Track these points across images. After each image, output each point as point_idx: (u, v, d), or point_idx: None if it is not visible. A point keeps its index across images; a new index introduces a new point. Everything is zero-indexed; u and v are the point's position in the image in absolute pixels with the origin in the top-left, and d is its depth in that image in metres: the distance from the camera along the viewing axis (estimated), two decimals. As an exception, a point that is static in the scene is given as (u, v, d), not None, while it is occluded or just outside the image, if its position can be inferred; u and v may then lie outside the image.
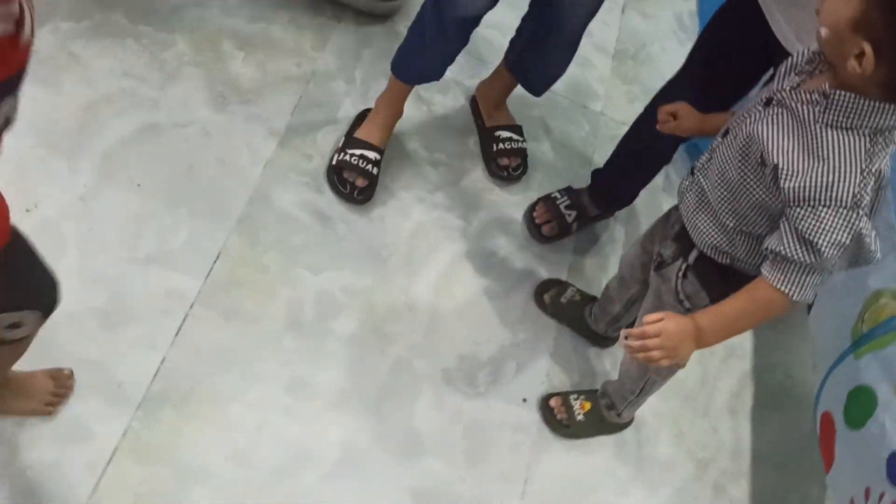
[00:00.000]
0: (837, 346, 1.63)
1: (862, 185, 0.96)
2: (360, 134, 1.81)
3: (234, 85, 1.88)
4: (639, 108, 1.74)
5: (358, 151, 1.78)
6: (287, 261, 1.68)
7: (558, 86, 2.18)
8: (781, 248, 1.01)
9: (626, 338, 1.09)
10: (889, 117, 0.94)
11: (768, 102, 1.05)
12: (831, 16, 0.94)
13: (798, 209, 0.98)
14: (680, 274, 1.27)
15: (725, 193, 1.11)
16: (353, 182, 1.77)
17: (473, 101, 2.04)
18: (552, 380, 1.72)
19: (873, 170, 0.96)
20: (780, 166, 0.98)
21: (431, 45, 1.64)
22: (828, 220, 0.97)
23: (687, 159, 2.08)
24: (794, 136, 0.99)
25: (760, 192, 1.05)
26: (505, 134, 1.96)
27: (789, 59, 1.08)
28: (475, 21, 1.60)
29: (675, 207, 1.37)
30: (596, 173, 1.87)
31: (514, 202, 1.94)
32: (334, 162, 1.79)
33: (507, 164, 1.95)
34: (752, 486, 1.75)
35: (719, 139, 1.15)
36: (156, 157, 1.73)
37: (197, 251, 1.63)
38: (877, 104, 0.93)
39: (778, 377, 1.89)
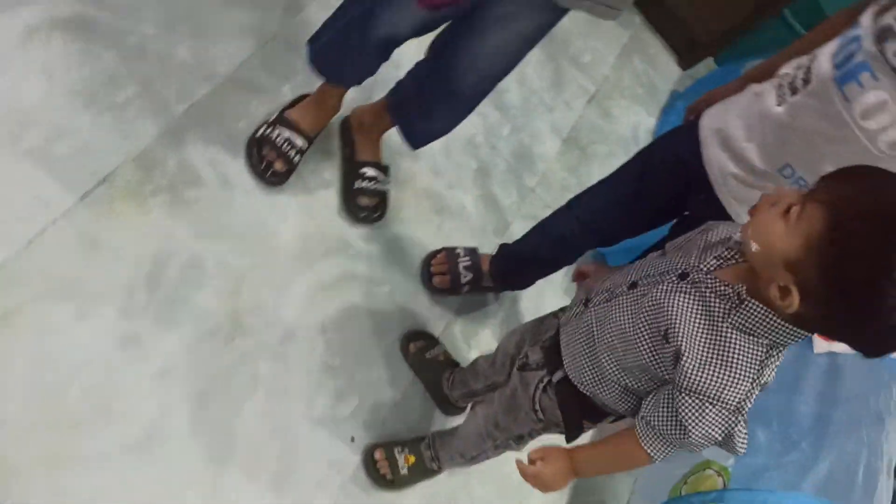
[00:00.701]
0: (653, 498, 1.68)
1: (749, 393, 0.98)
2: (292, 114, 1.72)
3: (192, 13, 1.76)
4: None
5: (287, 133, 1.69)
6: (172, 212, 1.57)
7: (503, 147, 2.18)
8: (655, 421, 1.03)
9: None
10: (789, 336, 0.96)
11: (683, 276, 1.03)
12: (766, 239, 0.92)
13: (686, 396, 0.99)
14: (541, 385, 1.26)
15: (615, 343, 1.10)
16: (272, 162, 1.68)
17: (346, 126, 1.86)
18: (387, 427, 1.67)
19: (761, 381, 0.98)
20: (684, 352, 0.98)
21: (352, 53, 1.50)
22: (709, 415, 0.99)
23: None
24: (701, 327, 0.99)
25: (650, 358, 1.04)
26: (371, 172, 1.81)
27: (710, 233, 1.07)
28: (398, 43, 1.47)
29: (553, 314, 1.36)
30: (503, 248, 1.85)
31: (420, 241, 1.90)
32: (258, 134, 1.70)
33: (367, 205, 1.81)
34: None
35: (624, 288, 1.12)
36: (80, 54, 1.60)
37: (84, 166, 1.51)
38: (783, 324, 0.95)
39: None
